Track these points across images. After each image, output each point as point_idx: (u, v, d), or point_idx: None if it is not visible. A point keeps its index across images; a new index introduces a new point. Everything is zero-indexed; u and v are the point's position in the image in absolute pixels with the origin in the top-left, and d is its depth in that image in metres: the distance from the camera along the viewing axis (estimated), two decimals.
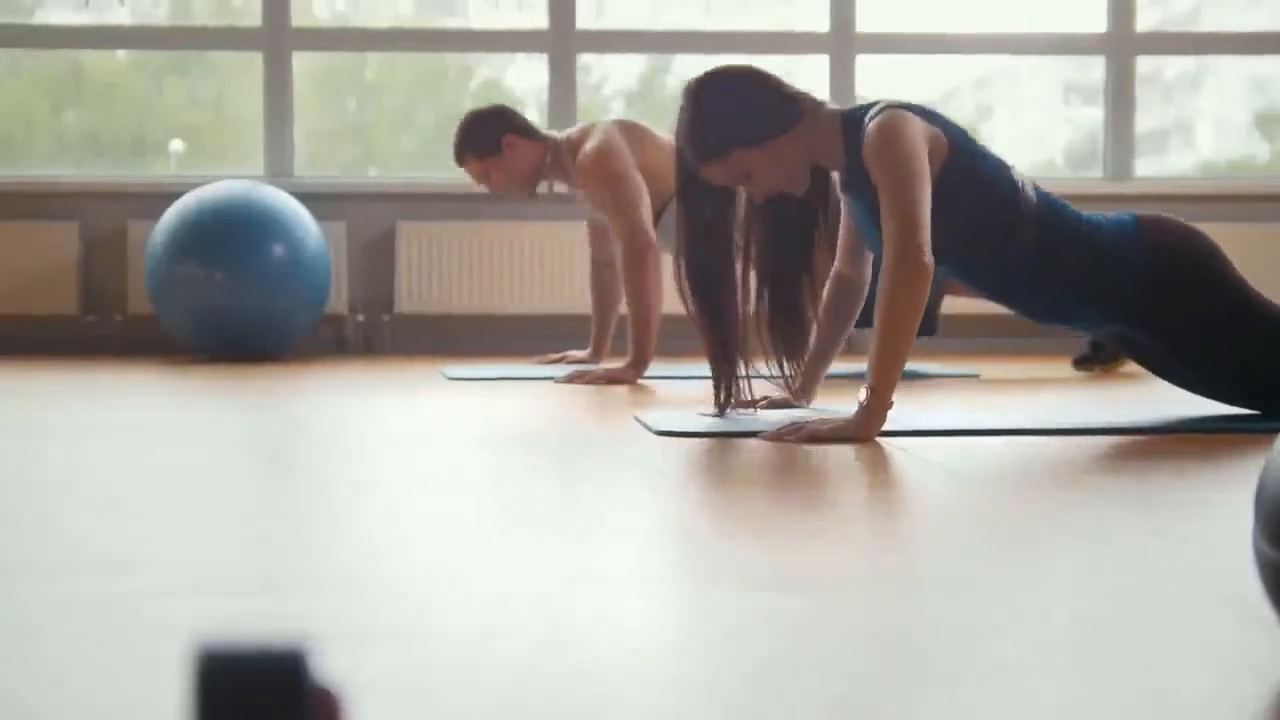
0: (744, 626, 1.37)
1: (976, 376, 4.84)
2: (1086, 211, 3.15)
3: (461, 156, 4.86)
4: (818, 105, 3.09)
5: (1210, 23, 7.26)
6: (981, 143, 3.10)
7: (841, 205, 3.22)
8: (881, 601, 1.49)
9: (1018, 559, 1.74)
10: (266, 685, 0.65)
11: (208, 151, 7.03)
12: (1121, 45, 6.57)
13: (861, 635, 1.34)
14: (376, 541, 1.86)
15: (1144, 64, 6.72)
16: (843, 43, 6.48)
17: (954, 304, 4.98)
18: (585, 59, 6.71)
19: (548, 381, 4.49)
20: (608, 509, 2.12)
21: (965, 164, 3.01)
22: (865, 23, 6.49)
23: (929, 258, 2.84)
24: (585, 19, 6.51)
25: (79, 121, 7.28)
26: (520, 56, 6.62)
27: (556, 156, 4.80)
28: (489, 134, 4.79)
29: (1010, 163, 3.12)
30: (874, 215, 2.97)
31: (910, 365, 5.16)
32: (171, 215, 5.59)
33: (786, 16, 7.02)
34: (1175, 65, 8.23)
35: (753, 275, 3.19)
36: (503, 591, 1.54)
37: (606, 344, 5.20)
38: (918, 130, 2.95)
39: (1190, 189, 6.55)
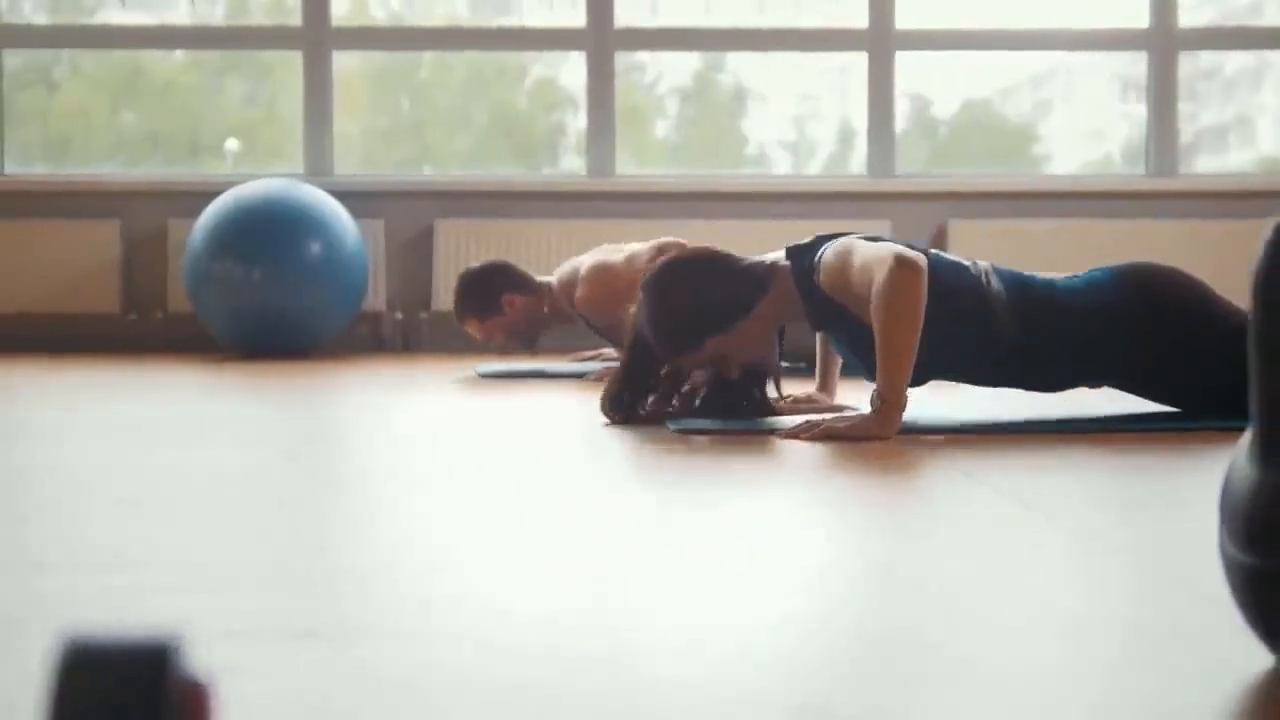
0: (749, 625, 1.37)
1: None
2: (1062, 279, 3.12)
3: (463, 319, 4.91)
4: (772, 268, 3.12)
5: (1274, 17, 7.17)
6: (934, 250, 3.10)
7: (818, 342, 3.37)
8: (874, 600, 1.48)
9: (1013, 559, 1.73)
10: (129, 677, 0.66)
11: (262, 150, 7.08)
12: (1164, 41, 6.51)
13: (852, 635, 1.34)
14: (368, 540, 1.86)
15: (1204, 59, 6.66)
16: (881, 40, 6.46)
17: None
18: (641, 57, 6.73)
19: (579, 379, 4.50)
20: (614, 507, 2.12)
21: (929, 281, 3.01)
22: (904, 19, 6.46)
23: (920, 259, 2.84)
24: (638, 18, 6.52)
25: (137, 121, 7.35)
26: (574, 55, 6.63)
27: (553, 303, 4.84)
28: (488, 296, 4.84)
29: (965, 260, 3.10)
30: (852, 345, 3.01)
31: None
32: (210, 214, 5.63)
33: (833, 13, 7.00)
34: (1235, 61, 8.15)
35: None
36: (501, 592, 1.54)
37: None
38: (867, 246, 2.97)
39: (1237, 186, 6.49)
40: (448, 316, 6.27)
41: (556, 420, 3.32)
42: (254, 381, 4.48)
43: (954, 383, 3.18)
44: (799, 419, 2.98)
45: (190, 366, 5.18)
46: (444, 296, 6.24)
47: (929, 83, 7.30)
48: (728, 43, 6.80)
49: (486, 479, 2.41)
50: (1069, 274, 3.17)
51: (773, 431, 2.89)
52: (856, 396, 3.38)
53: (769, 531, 1.90)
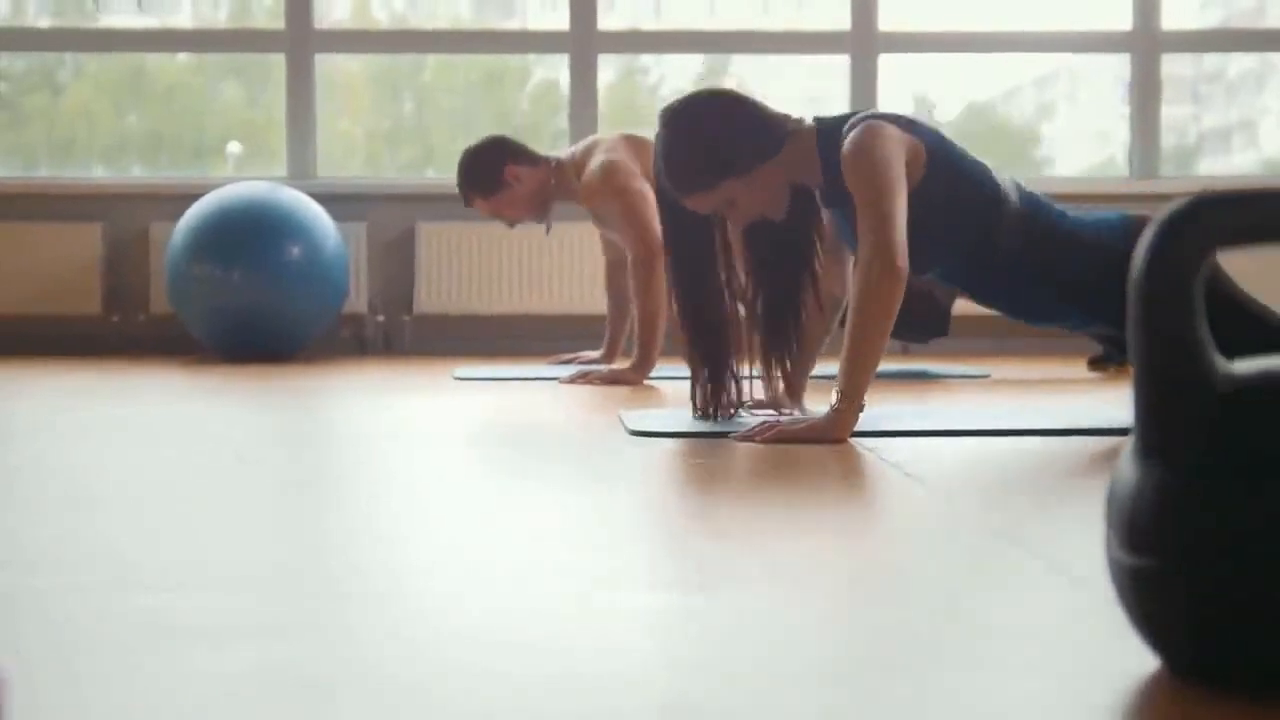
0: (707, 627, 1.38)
1: (987, 376, 4.82)
2: (1075, 211, 3.13)
3: (468, 198, 4.86)
4: (797, 125, 3.07)
5: (1275, 19, 7.17)
6: (961, 147, 3.08)
7: (822, 217, 3.22)
8: (792, 605, 1.49)
9: (953, 566, 1.74)
10: None
11: (265, 153, 7.10)
12: (1147, 43, 6.51)
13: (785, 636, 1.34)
14: (308, 541, 1.87)
15: (1208, 62, 6.66)
16: (864, 42, 6.46)
17: (969, 305, 4.95)
18: (644, 60, 6.73)
19: (553, 382, 4.50)
20: (566, 510, 2.13)
21: (945, 172, 3.00)
22: (887, 22, 6.47)
23: (903, 261, 2.82)
24: (638, 19, 6.53)
25: (140, 124, 7.36)
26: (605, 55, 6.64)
27: (561, 177, 4.80)
28: (490, 170, 4.78)
29: (991, 165, 3.10)
30: (855, 227, 2.95)
31: (921, 365, 5.18)
32: (190, 217, 5.64)
33: (838, 15, 7.01)
34: (1239, 64, 8.15)
35: (750, 287, 3.18)
36: (454, 594, 1.55)
37: (620, 346, 5.20)
38: (894, 141, 2.94)
39: (1241, 188, 6.49)
40: (430, 319, 6.28)
41: (526, 423, 3.32)
42: (227, 383, 4.48)
43: (943, 282, 3.16)
44: (756, 421, 2.98)
45: (170, 369, 5.19)
46: (426, 299, 6.25)
47: (932, 85, 7.31)
48: (710, 45, 6.80)
49: (449, 480, 2.42)
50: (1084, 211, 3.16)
51: (728, 434, 2.89)
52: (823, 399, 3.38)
53: (714, 532, 1.90)
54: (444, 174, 6.57)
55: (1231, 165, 8.02)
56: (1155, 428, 1.12)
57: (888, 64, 6.49)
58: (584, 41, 6.42)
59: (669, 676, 1.21)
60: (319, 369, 5.20)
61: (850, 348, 2.83)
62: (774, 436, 2.81)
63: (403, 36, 6.74)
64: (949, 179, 2.99)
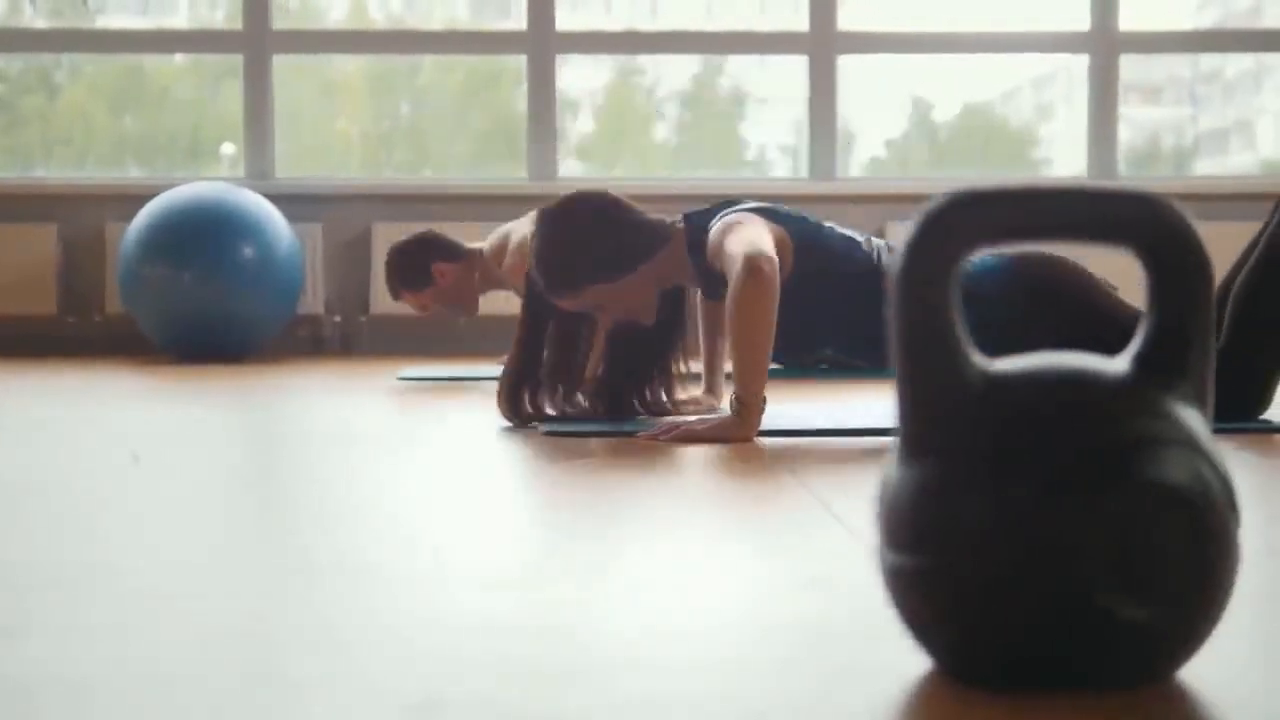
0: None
1: None
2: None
3: (397, 292, 4.92)
4: (671, 231, 3.12)
5: (1273, 20, 7.17)
6: (828, 225, 3.11)
7: (701, 313, 3.36)
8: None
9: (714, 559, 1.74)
10: None
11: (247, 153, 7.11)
12: (1105, 44, 6.52)
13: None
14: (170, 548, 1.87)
15: (1205, 62, 6.66)
16: (823, 42, 6.46)
17: None
18: (641, 60, 6.74)
19: (494, 382, 4.50)
20: (467, 507, 2.13)
21: (813, 252, 3.06)
22: (846, 21, 6.47)
23: (768, 261, 2.82)
24: (640, 20, 6.53)
25: (135, 125, 7.37)
26: (574, 57, 6.64)
27: (484, 269, 4.85)
28: (417, 267, 4.84)
29: (859, 236, 3.13)
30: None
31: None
32: (143, 218, 5.64)
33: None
34: (1236, 64, 8.14)
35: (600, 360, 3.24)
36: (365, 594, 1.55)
37: None
38: (759, 227, 2.97)
39: (1238, 188, 6.47)
40: (386, 319, 6.28)
41: (444, 422, 3.32)
42: (168, 384, 4.48)
43: (846, 356, 3.17)
44: (664, 420, 2.99)
45: (123, 369, 5.18)
46: (382, 299, 6.25)
47: (930, 86, 7.32)
48: (670, 45, 6.80)
49: (309, 483, 2.42)
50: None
51: (634, 433, 2.89)
52: None
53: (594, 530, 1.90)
54: (440, 175, 6.58)
55: (1229, 166, 8.01)
56: (912, 425, 1.12)
57: (888, 65, 6.51)
58: (541, 42, 6.42)
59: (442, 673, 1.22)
60: (268, 370, 5.20)
61: (736, 355, 2.84)
62: (679, 436, 2.82)
63: (360, 38, 6.74)
64: (819, 259, 3.03)
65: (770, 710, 1.11)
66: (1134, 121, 7.64)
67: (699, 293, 3.32)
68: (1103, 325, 2.99)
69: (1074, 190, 1.13)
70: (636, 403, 3.23)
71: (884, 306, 3.01)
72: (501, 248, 4.77)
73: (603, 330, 3.16)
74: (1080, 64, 6.66)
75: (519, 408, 3.15)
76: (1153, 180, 6.64)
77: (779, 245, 2.97)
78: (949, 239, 1.10)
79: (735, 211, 3.04)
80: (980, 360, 1.13)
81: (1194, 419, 1.11)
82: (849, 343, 3.13)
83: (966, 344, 1.11)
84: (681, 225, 3.11)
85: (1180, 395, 1.12)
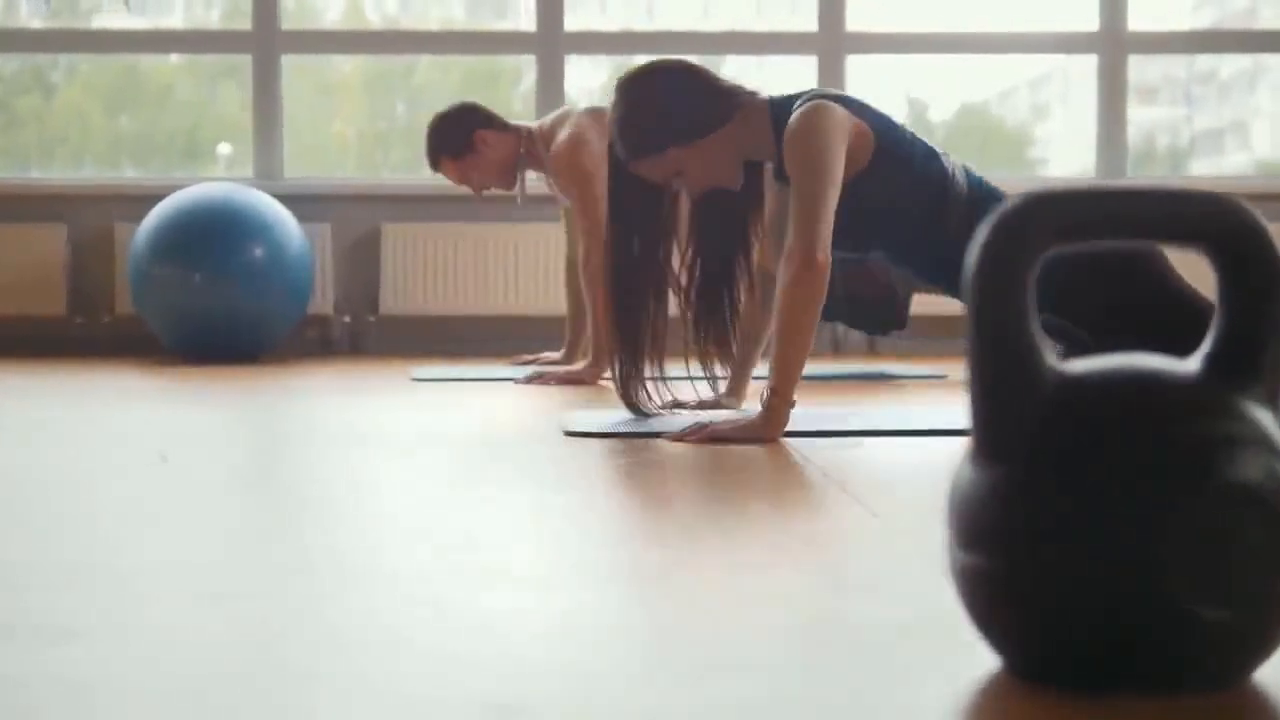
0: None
1: (944, 378, 4.81)
2: None
3: (436, 160, 4.84)
4: (751, 98, 3.09)
5: (1270, 21, 7.17)
6: (910, 130, 3.09)
7: (768, 196, 3.22)
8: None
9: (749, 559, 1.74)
10: None
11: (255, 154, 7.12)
12: (1113, 45, 6.52)
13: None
14: (204, 539, 1.86)
15: (1201, 63, 6.65)
16: (831, 43, 6.46)
17: (931, 304, 4.95)
18: (638, 60, 6.74)
19: (509, 383, 4.50)
20: (490, 512, 2.13)
21: (892, 154, 3.01)
22: (855, 22, 6.47)
23: (824, 255, 2.82)
24: (636, 20, 6.53)
25: (131, 125, 7.36)
26: (572, 58, 6.63)
27: (530, 147, 4.79)
28: (459, 133, 4.77)
29: (941, 150, 3.09)
30: None
31: (882, 367, 5.18)
32: (152, 218, 5.63)
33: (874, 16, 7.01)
34: (1231, 64, 8.13)
35: (684, 271, 3.20)
36: (391, 592, 1.55)
37: (580, 345, 5.19)
38: (838, 123, 2.94)
39: (1234, 189, 6.44)
40: (395, 320, 6.27)
41: (462, 424, 3.32)
42: (177, 384, 4.48)
43: (890, 263, 3.16)
44: (689, 420, 2.98)
45: (132, 370, 5.18)
46: (391, 300, 6.25)
47: (926, 85, 7.31)
48: (680, 46, 6.77)
49: (349, 484, 2.41)
50: None
51: (660, 434, 2.89)
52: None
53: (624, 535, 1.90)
54: (396, 175, 6.57)
55: (1224, 166, 8.01)
56: (986, 427, 1.12)
57: (886, 65, 6.51)
58: (550, 42, 6.42)
59: (502, 674, 1.21)
60: (279, 370, 5.19)
61: (778, 346, 2.84)
62: (705, 436, 2.81)
63: (366, 37, 6.74)
64: (896, 162, 3.00)
65: (837, 711, 1.10)
66: (1131, 121, 7.65)
67: (771, 169, 3.21)
68: (1169, 302, 2.93)
69: (1146, 191, 1.13)
70: (726, 306, 3.19)
71: (949, 219, 2.99)
72: (551, 132, 4.72)
73: (690, 200, 3.12)
74: (1077, 64, 6.66)
75: (633, 398, 3.12)
76: (1152, 180, 6.64)
77: (858, 137, 2.95)
78: (1023, 240, 1.10)
79: (820, 97, 2.99)
80: (1054, 361, 1.12)
81: (1268, 419, 1.11)
82: (905, 248, 3.09)
83: (1042, 345, 1.11)
84: (765, 99, 3.08)
85: (1253, 396, 1.12)
